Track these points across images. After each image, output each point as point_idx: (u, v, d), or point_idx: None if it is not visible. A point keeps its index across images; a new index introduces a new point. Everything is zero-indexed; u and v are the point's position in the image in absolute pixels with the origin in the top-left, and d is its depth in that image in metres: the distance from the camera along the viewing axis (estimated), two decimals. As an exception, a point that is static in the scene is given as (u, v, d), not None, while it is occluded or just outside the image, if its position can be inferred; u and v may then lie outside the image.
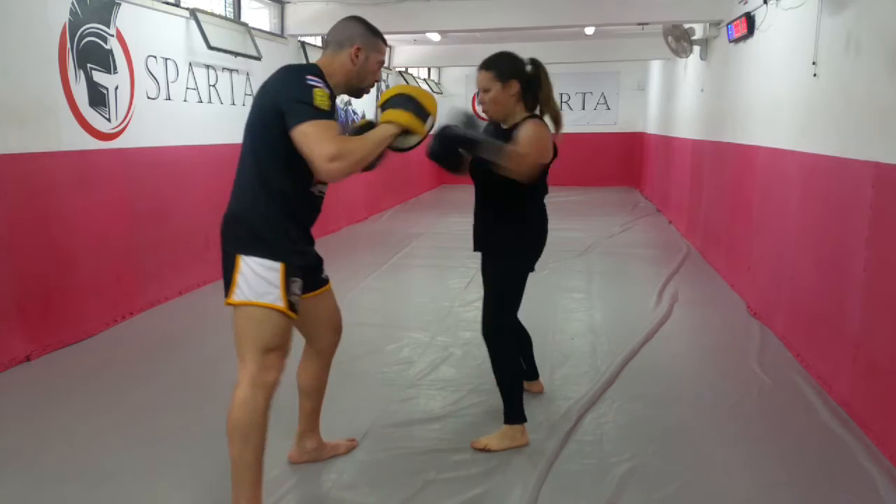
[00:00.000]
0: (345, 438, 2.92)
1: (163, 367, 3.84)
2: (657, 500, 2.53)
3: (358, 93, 2.41)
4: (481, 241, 2.97)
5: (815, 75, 3.99)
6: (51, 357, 3.97)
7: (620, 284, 5.88)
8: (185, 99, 5.49)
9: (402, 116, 2.28)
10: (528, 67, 2.81)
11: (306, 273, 2.37)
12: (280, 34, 7.28)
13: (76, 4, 4.27)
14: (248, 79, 6.33)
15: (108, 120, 4.59)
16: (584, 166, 13.92)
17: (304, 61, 7.66)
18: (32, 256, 3.98)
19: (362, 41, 2.34)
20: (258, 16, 7.17)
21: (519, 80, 2.76)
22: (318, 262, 2.54)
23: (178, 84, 5.39)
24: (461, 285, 5.69)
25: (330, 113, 2.15)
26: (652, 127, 12.35)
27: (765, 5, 5.07)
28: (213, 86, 5.88)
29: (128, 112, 4.79)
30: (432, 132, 2.59)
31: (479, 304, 5.07)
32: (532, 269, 2.96)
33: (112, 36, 4.62)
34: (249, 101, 6.25)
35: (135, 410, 3.28)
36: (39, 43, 4.02)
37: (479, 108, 3.02)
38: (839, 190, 3.56)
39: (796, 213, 4.17)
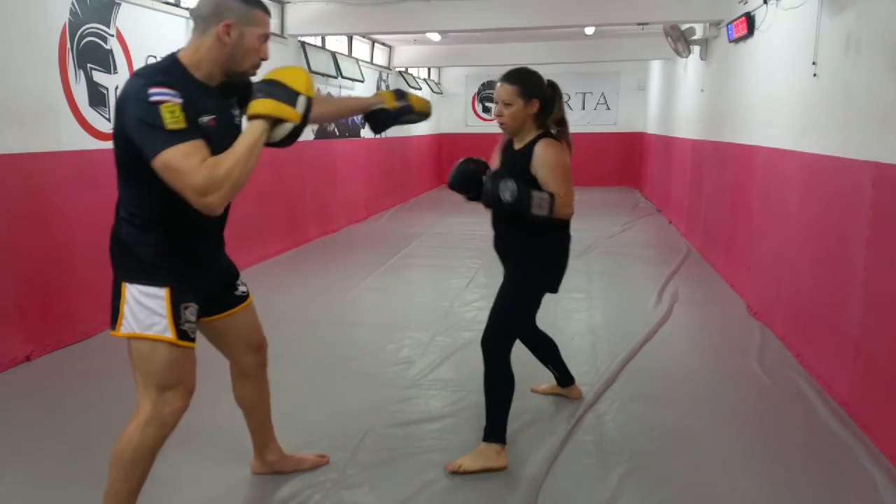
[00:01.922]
0: (315, 453, 2.77)
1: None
2: (657, 500, 2.53)
3: (239, 78, 2.06)
4: (500, 250, 2.90)
5: (815, 75, 3.99)
6: (51, 357, 3.97)
7: (620, 284, 5.88)
8: (185, 99, 5.48)
9: (266, 106, 1.92)
10: (547, 88, 2.79)
11: (217, 291, 2.22)
12: (280, 34, 7.28)
13: (76, 4, 4.27)
14: (248, 79, 6.31)
15: (109, 120, 4.59)
16: (584, 166, 13.78)
17: (304, 61, 7.66)
18: (33, 256, 3.98)
19: (233, 15, 1.94)
20: (258, 16, 7.15)
21: (539, 100, 2.73)
22: (231, 276, 2.33)
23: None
24: (461, 285, 5.69)
25: (186, 132, 1.82)
26: (652, 127, 12.35)
27: (765, 5, 5.07)
28: (213, 86, 5.88)
29: (128, 112, 4.78)
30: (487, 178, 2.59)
31: (479, 304, 5.09)
32: (555, 290, 2.89)
33: (112, 36, 4.62)
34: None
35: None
36: (39, 43, 4.01)
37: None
38: (839, 190, 3.56)
39: (796, 213, 4.17)
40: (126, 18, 4.74)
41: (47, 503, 2.54)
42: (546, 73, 2.92)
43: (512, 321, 2.79)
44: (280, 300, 5.36)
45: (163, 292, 1.99)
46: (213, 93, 2.02)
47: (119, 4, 4.66)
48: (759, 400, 3.44)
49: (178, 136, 1.80)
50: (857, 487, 2.63)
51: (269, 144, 2.01)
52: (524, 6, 7.02)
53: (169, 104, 1.81)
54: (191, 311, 2.05)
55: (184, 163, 1.80)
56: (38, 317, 4.01)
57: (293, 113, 1.95)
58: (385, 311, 5.24)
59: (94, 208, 4.43)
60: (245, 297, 2.37)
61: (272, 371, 3.78)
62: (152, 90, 1.82)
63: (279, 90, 1.94)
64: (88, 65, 4.40)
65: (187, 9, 5.52)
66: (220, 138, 1.93)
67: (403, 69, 11.81)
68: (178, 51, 2.01)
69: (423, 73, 13.63)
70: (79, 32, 4.30)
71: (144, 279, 1.99)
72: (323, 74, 8.13)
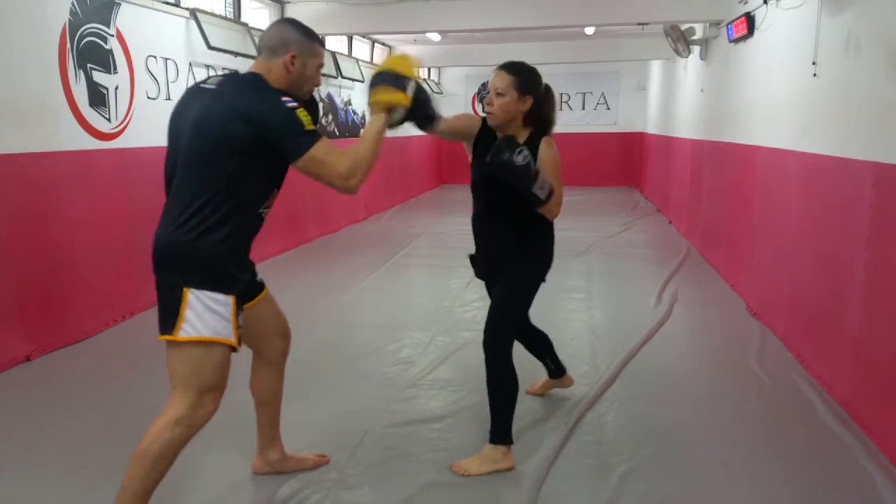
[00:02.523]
0: (315, 453, 2.78)
1: (162, 367, 3.83)
2: (657, 500, 2.53)
3: (296, 99, 2.22)
4: (494, 259, 2.81)
5: (815, 75, 3.99)
6: (51, 357, 3.97)
7: (620, 284, 5.88)
8: (185, 99, 5.48)
9: (384, 95, 2.26)
10: (542, 90, 2.72)
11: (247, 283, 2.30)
12: (280, 34, 7.28)
13: (76, 4, 4.27)
14: (248, 79, 6.30)
15: (108, 120, 4.59)
16: (584, 166, 13.91)
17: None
18: (33, 256, 3.98)
19: (297, 48, 2.19)
20: (258, 16, 7.17)
21: (534, 98, 2.65)
22: (252, 267, 2.40)
23: (178, 84, 5.38)
24: (461, 285, 5.68)
25: (317, 131, 2.09)
26: (652, 127, 12.35)
27: (765, 5, 5.07)
28: (213, 86, 5.89)
29: (128, 112, 4.79)
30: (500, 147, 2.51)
31: (479, 304, 5.08)
32: (544, 280, 2.87)
33: (112, 36, 4.62)
34: (249, 101, 6.26)
35: (135, 410, 3.28)
36: (39, 43, 4.01)
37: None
38: (839, 190, 3.56)
39: (796, 213, 4.17)
40: (126, 18, 4.73)
41: (47, 503, 2.54)
42: (546, 72, 2.89)
43: (513, 320, 2.78)
44: (280, 300, 5.33)
45: (230, 299, 2.09)
46: None
47: (119, 4, 4.66)
48: (759, 400, 3.43)
49: (317, 135, 2.06)
50: (857, 487, 2.63)
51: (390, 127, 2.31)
52: (524, 6, 7.02)
53: (300, 109, 2.05)
54: (243, 317, 2.18)
55: (329, 155, 2.06)
56: (38, 317, 4.01)
57: (403, 97, 2.27)
58: (385, 311, 5.23)
59: (93, 208, 4.44)
60: (263, 284, 2.47)
61: (272, 371, 3.79)
62: (284, 99, 2.05)
63: (391, 78, 2.27)
64: (88, 65, 4.40)
65: (187, 9, 5.52)
66: None
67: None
68: (256, 70, 2.21)
69: (423, 73, 13.62)
70: (79, 32, 4.30)
71: (217, 286, 2.06)
72: (323, 74, 8.12)
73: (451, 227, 8.82)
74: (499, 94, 2.62)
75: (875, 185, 3.13)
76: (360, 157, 2.13)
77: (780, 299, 4.37)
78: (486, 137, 2.72)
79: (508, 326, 2.75)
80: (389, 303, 5.45)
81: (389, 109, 2.28)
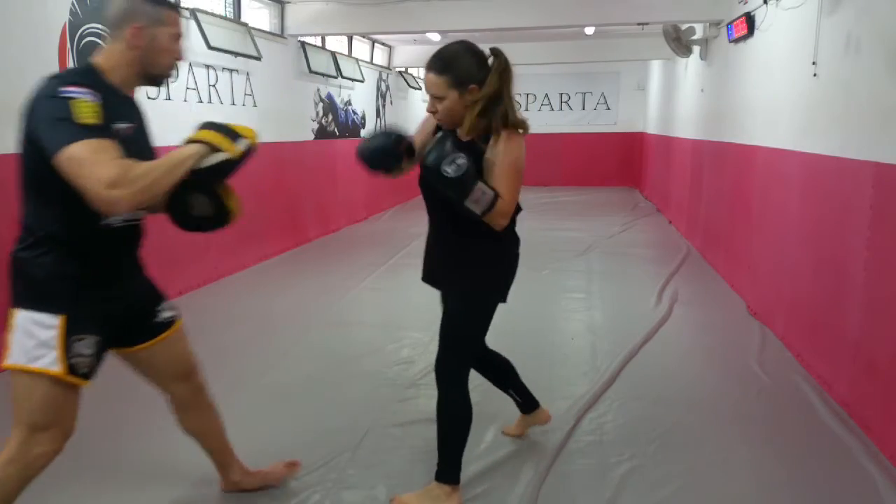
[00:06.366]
0: (284, 461, 2.60)
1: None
2: (657, 500, 2.53)
3: (156, 80, 1.98)
4: (439, 271, 2.48)
5: (815, 75, 3.99)
6: (51, 357, 3.96)
7: (620, 284, 5.88)
8: (185, 99, 5.48)
9: (207, 134, 1.90)
10: (490, 60, 2.24)
11: (135, 318, 2.06)
12: (280, 34, 7.28)
13: (76, 4, 4.27)
14: (248, 79, 6.31)
15: (108, 120, 4.58)
16: (584, 166, 13.93)
17: (304, 61, 7.66)
18: (32, 256, 3.97)
19: (142, 18, 1.86)
20: (258, 16, 7.17)
21: (479, 84, 2.20)
22: (151, 302, 2.13)
23: (178, 84, 5.39)
24: (461, 285, 5.68)
25: (102, 128, 1.73)
26: (652, 127, 12.35)
27: (765, 5, 5.08)
28: (214, 86, 5.88)
29: (128, 112, 4.77)
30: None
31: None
32: (503, 300, 2.45)
33: (112, 36, 4.62)
34: (250, 102, 6.26)
35: (134, 410, 3.29)
36: (39, 43, 4.01)
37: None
38: (839, 190, 3.56)
39: (796, 213, 4.17)
40: (126, 18, 4.73)
41: (47, 503, 2.53)
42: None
43: (468, 345, 2.47)
44: (280, 300, 5.36)
45: (56, 321, 1.82)
46: (129, 101, 1.96)
47: (119, 4, 4.66)
48: (759, 400, 3.44)
49: (89, 131, 1.70)
50: (857, 487, 2.63)
51: (197, 171, 1.88)
52: (524, 6, 7.02)
53: (81, 100, 1.72)
54: (85, 344, 1.86)
55: (93, 155, 1.68)
56: (38, 317, 4.00)
57: (231, 146, 1.91)
58: (385, 311, 5.24)
59: (94, 208, 4.43)
60: (170, 323, 2.17)
61: (273, 371, 3.80)
62: (64, 87, 1.74)
63: (225, 128, 1.93)
64: (88, 65, 4.40)
65: (187, 9, 5.52)
66: (138, 147, 1.87)
67: (403, 69, 11.81)
68: (92, 58, 1.94)
69: (423, 73, 13.62)
70: (79, 32, 4.30)
71: (37, 305, 1.83)
72: (323, 74, 8.13)
73: (451, 227, 8.81)
74: (438, 99, 2.24)
75: (875, 185, 3.13)
76: (143, 170, 1.74)
77: (780, 299, 4.37)
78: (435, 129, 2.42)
79: (459, 355, 2.44)
80: (389, 303, 5.45)
81: (209, 149, 1.89)
